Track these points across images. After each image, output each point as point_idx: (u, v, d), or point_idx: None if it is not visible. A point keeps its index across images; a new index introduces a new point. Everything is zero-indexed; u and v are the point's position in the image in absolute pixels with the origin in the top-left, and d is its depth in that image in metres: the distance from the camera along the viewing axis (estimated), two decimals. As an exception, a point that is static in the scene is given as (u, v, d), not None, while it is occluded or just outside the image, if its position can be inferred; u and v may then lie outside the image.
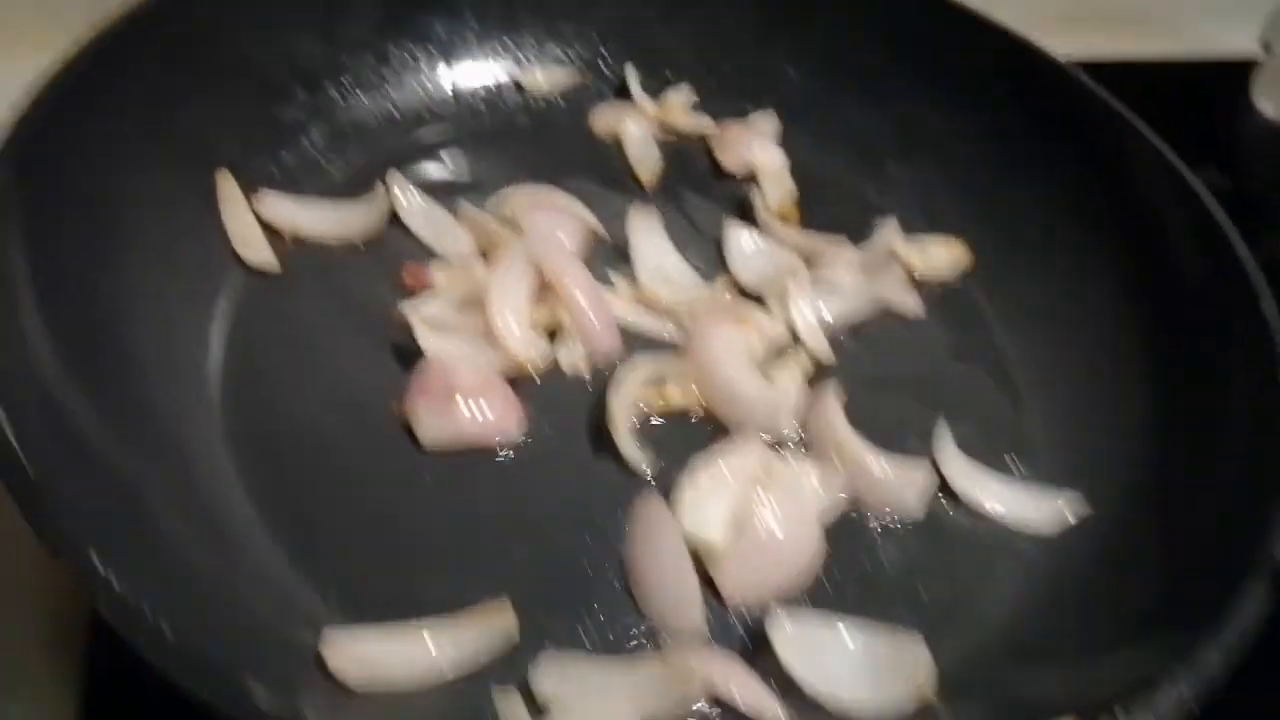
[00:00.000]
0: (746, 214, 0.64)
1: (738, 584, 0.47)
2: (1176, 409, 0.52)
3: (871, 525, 0.51)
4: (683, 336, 0.56)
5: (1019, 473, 0.54)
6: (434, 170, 0.64)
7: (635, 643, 0.46)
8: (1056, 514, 0.52)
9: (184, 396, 0.49)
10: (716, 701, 0.43)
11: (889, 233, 0.63)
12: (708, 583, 0.47)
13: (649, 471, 0.51)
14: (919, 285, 0.62)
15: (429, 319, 0.53)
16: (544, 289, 0.55)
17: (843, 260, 0.61)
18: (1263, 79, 0.78)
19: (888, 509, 0.51)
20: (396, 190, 0.59)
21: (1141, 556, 0.47)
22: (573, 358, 0.54)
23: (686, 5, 0.70)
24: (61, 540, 0.34)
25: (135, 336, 0.48)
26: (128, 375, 0.46)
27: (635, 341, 0.56)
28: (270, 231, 0.57)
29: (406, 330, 0.53)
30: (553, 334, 0.55)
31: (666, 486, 0.50)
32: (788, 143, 0.68)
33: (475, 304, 0.54)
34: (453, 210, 0.60)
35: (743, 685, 0.43)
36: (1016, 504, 0.52)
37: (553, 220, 0.60)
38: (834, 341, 0.58)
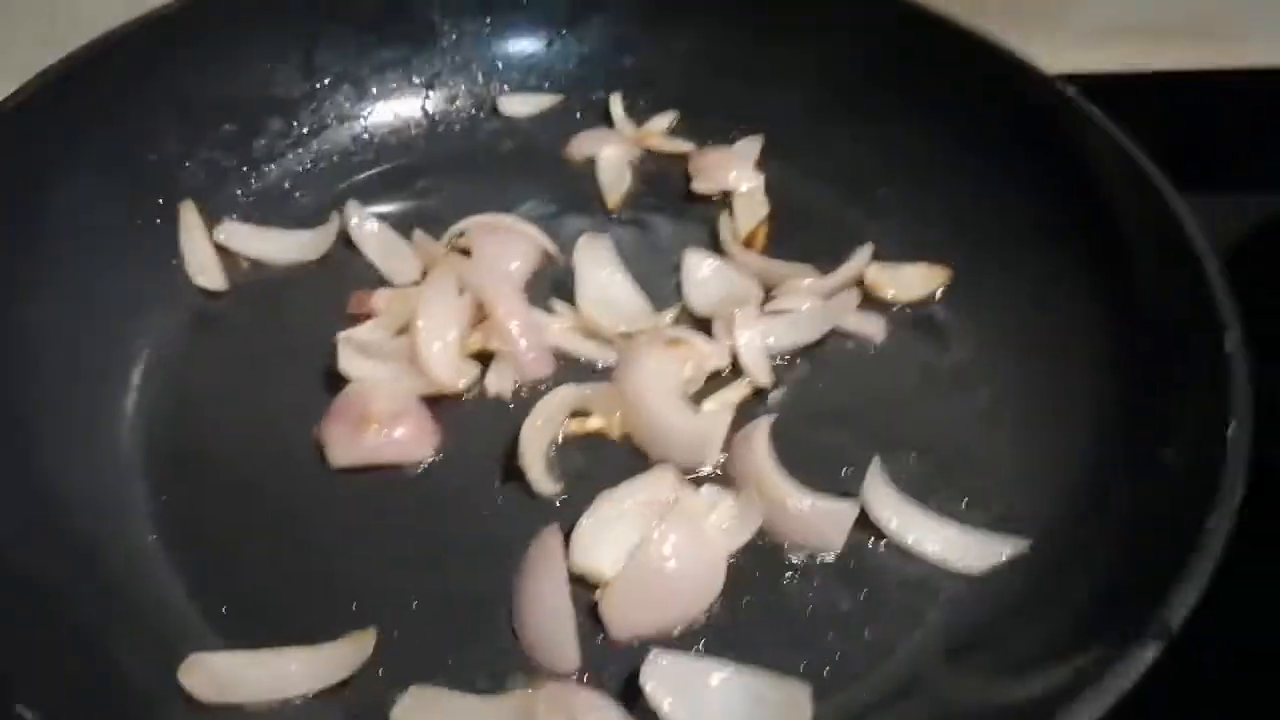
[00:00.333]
0: (716, 238, 0.62)
1: (623, 620, 0.45)
2: (1122, 451, 0.47)
3: (789, 560, 0.48)
4: (616, 363, 0.55)
5: (958, 508, 0.50)
6: (403, 196, 0.65)
7: (510, 676, 0.44)
8: (989, 553, 0.47)
9: (98, 415, 0.51)
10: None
11: (859, 259, 0.60)
12: (598, 618, 0.46)
13: (557, 499, 0.50)
14: (890, 309, 0.59)
15: (360, 345, 0.54)
16: (480, 315, 0.55)
17: (802, 286, 0.58)
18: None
19: (807, 546, 0.48)
20: (353, 218, 0.60)
21: (1055, 602, 0.43)
22: (500, 382, 0.54)
23: (676, 30, 0.69)
24: None
25: (54, 356, 0.50)
26: (35, 393, 0.48)
27: (572, 368, 0.55)
28: (228, 256, 0.59)
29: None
30: (486, 359, 0.55)
31: (574, 515, 0.48)
32: (774, 169, 0.66)
33: (408, 329, 0.54)
34: (407, 237, 0.60)
35: (608, 726, 0.41)
36: (948, 543, 0.48)
37: (504, 245, 0.60)
38: (782, 369, 0.56)
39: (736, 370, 0.55)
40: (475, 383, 0.54)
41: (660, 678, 0.42)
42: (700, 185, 0.65)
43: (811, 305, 0.57)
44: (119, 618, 0.44)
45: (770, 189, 0.65)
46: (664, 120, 0.69)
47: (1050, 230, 0.57)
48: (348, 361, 0.52)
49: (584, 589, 0.46)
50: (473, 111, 0.69)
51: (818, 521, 0.48)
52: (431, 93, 0.68)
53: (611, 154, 0.67)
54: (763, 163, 0.66)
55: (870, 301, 0.59)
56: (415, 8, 0.66)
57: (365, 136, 0.67)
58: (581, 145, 0.68)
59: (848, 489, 0.50)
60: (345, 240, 0.61)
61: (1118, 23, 0.86)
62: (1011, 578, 0.46)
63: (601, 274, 0.58)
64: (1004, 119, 0.60)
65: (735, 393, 0.54)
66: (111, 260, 0.55)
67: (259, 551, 0.48)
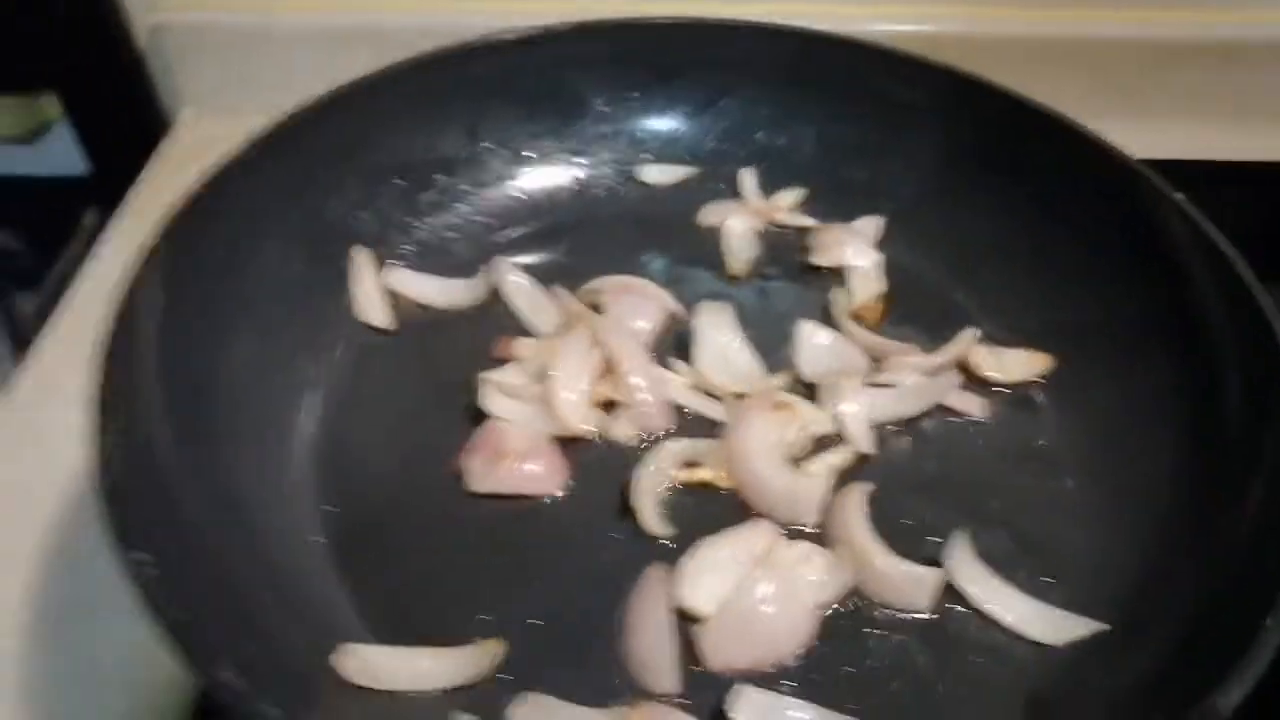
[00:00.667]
0: (829, 310, 0.67)
1: (719, 652, 0.50)
2: (1197, 546, 0.50)
3: (877, 616, 0.53)
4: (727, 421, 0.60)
5: (1038, 584, 0.53)
6: (548, 252, 0.72)
7: (616, 697, 0.49)
8: (1066, 629, 0.51)
9: (281, 433, 0.58)
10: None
11: (964, 340, 0.64)
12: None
13: (667, 540, 0.55)
14: (990, 390, 0.63)
15: (502, 386, 0.60)
16: (609, 366, 0.61)
17: (908, 363, 0.63)
18: None
19: (893, 605, 0.53)
20: (503, 272, 0.67)
21: (1122, 677, 0.46)
22: (623, 430, 0.60)
23: (804, 115, 0.74)
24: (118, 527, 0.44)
25: (248, 379, 0.58)
26: (233, 411, 0.56)
27: (690, 421, 0.61)
28: (391, 297, 0.67)
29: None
30: (613, 406, 0.61)
31: (680, 555, 0.54)
32: (890, 248, 0.70)
33: (545, 376, 0.61)
34: (549, 291, 0.67)
35: (694, 747, 0.46)
36: (1026, 616, 0.52)
37: (635, 304, 0.66)
38: (885, 439, 0.60)
39: (840, 436, 0.60)
40: (601, 429, 0.60)
41: (746, 709, 0.47)
42: (819, 258, 0.70)
43: (915, 381, 0.61)
44: (284, 603, 0.50)
45: (886, 267, 0.70)
46: (790, 196, 0.74)
47: (1146, 328, 0.60)
48: (489, 399, 0.59)
49: (684, 622, 0.51)
50: (615, 179, 0.76)
51: (904, 584, 0.53)
52: (579, 160, 0.75)
53: (738, 224, 0.72)
54: (880, 241, 0.71)
55: (972, 381, 0.63)
56: (568, 87, 0.74)
57: (518, 196, 0.74)
58: (711, 214, 0.74)
59: (934, 555, 0.54)
60: (494, 290, 0.68)
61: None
62: (1080, 653, 0.50)
63: (720, 337, 0.64)
64: (1110, 217, 0.63)
65: (837, 457, 0.58)
66: (295, 302, 0.63)
67: (403, 560, 0.55)
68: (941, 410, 0.62)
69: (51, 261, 0.95)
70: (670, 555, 0.54)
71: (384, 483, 0.58)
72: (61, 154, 1.03)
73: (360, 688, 0.48)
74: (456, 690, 0.49)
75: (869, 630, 0.52)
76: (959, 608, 0.53)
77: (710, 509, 0.57)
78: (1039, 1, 0.89)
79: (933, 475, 0.59)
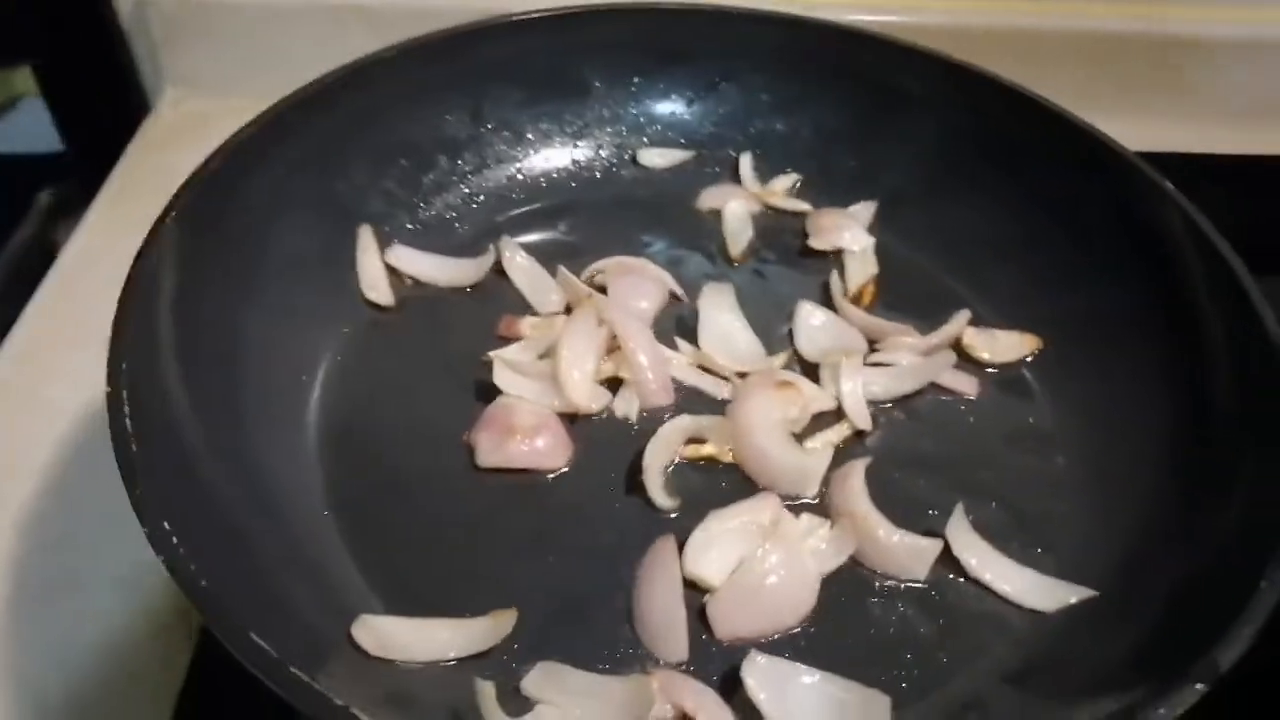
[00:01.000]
0: (826, 291, 0.69)
1: (727, 622, 0.52)
2: (1186, 517, 0.52)
3: (876, 585, 0.54)
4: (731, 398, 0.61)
5: (1031, 555, 0.55)
6: (548, 233, 0.73)
7: (626, 664, 0.51)
8: (1057, 596, 0.53)
9: (290, 408, 0.59)
10: (685, 721, 0.48)
11: (958, 322, 0.65)
12: (705, 619, 0.52)
13: (673, 513, 0.56)
14: (982, 370, 0.65)
15: (510, 363, 0.61)
16: (613, 345, 0.62)
17: (903, 343, 0.64)
18: None
19: (893, 574, 0.54)
20: (506, 251, 0.68)
21: (1115, 642, 0.48)
22: (627, 407, 0.61)
23: (802, 102, 0.76)
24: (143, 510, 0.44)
25: (257, 357, 0.59)
26: (244, 382, 0.57)
27: (691, 398, 0.62)
28: (394, 276, 0.67)
29: (489, 370, 0.61)
30: (617, 383, 0.62)
31: (686, 527, 0.55)
32: (883, 234, 0.72)
33: (551, 353, 0.62)
34: (552, 271, 0.68)
35: (710, 710, 0.48)
36: (1021, 583, 0.54)
37: (636, 284, 0.67)
38: (881, 416, 0.62)
39: (839, 413, 0.61)
40: (606, 406, 0.61)
41: (758, 675, 0.48)
42: (816, 242, 0.72)
43: (911, 360, 0.63)
44: (299, 573, 0.51)
45: (879, 252, 0.71)
46: (786, 181, 0.76)
47: (1135, 315, 0.62)
48: (501, 377, 0.60)
49: (694, 593, 0.53)
50: (614, 161, 0.77)
51: (904, 554, 0.54)
52: (580, 143, 0.76)
53: (736, 208, 0.74)
54: (874, 227, 0.73)
55: (965, 361, 0.65)
56: (571, 71, 0.75)
57: (519, 178, 0.75)
58: (710, 198, 0.75)
59: (931, 527, 0.56)
60: (498, 269, 0.69)
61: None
62: (1074, 620, 0.52)
63: (722, 318, 0.65)
64: (1101, 206, 0.65)
65: (836, 434, 0.60)
66: (305, 279, 0.63)
67: (414, 533, 0.55)
68: (935, 389, 0.64)
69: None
70: (676, 528, 0.55)
71: (393, 458, 0.59)
72: (31, 129, 1.02)
73: (378, 658, 0.49)
74: (472, 659, 0.50)
75: (870, 599, 0.54)
76: (955, 577, 0.55)
77: (714, 483, 0.58)
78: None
79: (928, 451, 0.61)
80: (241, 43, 0.94)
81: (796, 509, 0.57)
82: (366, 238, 0.68)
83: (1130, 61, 0.92)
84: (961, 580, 0.55)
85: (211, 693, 0.57)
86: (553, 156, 0.76)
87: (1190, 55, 0.92)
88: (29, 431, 0.68)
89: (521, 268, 0.68)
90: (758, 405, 0.59)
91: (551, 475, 0.58)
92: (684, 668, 0.51)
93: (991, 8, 0.91)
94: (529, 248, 0.70)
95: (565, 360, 0.60)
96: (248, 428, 0.55)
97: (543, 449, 0.58)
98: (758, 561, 0.52)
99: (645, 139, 0.77)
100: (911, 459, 0.60)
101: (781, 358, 0.64)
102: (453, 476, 0.58)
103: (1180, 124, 0.92)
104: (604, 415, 0.61)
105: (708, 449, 0.59)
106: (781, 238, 0.73)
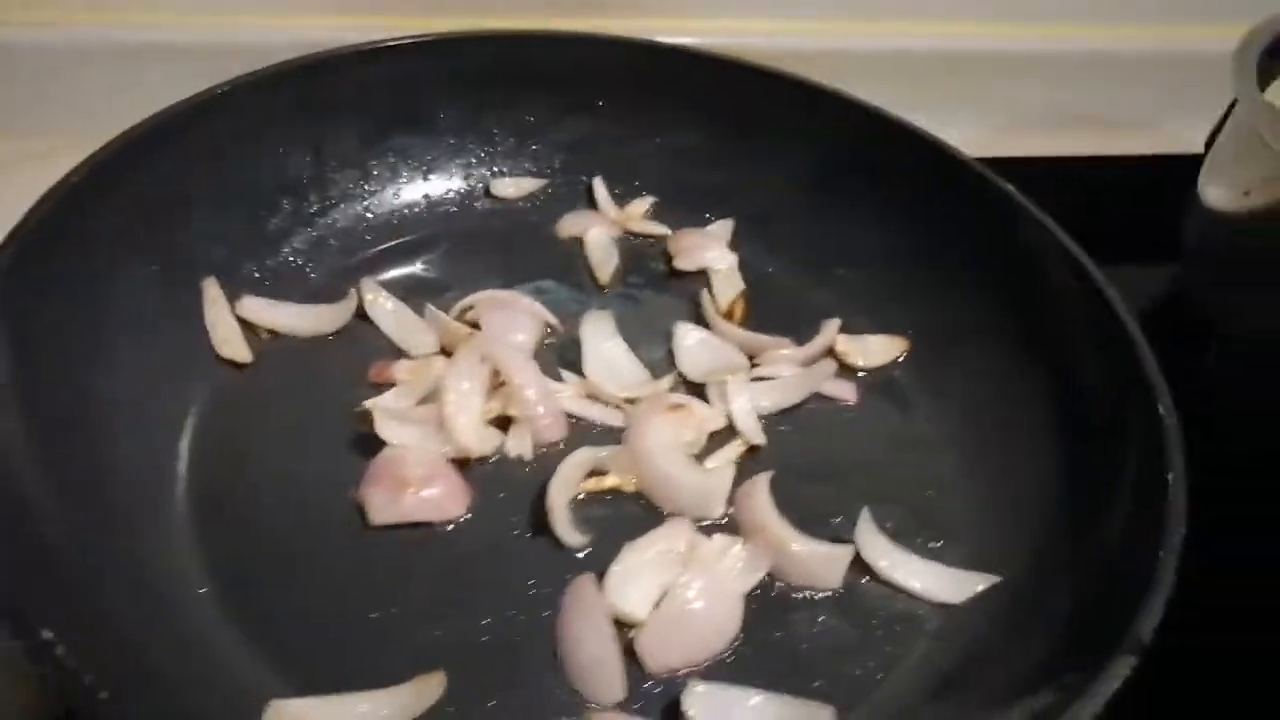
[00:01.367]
0: (698, 311, 0.69)
1: (658, 655, 0.50)
2: (1077, 500, 0.55)
3: (794, 598, 0.55)
4: (626, 426, 0.60)
5: (935, 550, 0.57)
6: (406, 272, 0.69)
7: (561, 713, 0.49)
8: (965, 586, 0.55)
9: (153, 482, 0.54)
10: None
11: (829, 331, 0.67)
12: (631, 654, 0.51)
13: (582, 550, 0.55)
14: (857, 375, 0.67)
15: (389, 411, 0.58)
16: (497, 382, 0.60)
17: (780, 355, 0.65)
18: (1206, 169, 0.82)
19: (808, 585, 0.55)
20: (368, 294, 0.65)
21: (1030, 633, 0.50)
22: (520, 445, 0.59)
23: (648, 126, 0.76)
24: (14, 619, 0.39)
25: (112, 424, 0.53)
26: (102, 462, 0.51)
27: (583, 429, 0.61)
28: (249, 330, 0.63)
29: (366, 421, 0.58)
30: (505, 421, 0.60)
31: (599, 563, 0.53)
32: (742, 249, 0.73)
33: (432, 397, 0.59)
34: (419, 311, 0.65)
35: (655, 751, 0.46)
36: (929, 578, 0.55)
37: (510, 319, 0.65)
38: (770, 429, 0.62)
39: (730, 431, 0.62)
40: (497, 447, 0.59)
41: (700, 704, 0.48)
42: (681, 263, 0.72)
43: (793, 372, 0.64)
44: (191, 665, 0.47)
45: (740, 268, 0.72)
46: (643, 204, 0.76)
47: (991, 309, 0.65)
48: (383, 427, 0.56)
49: (617, 629, 0.51)
50: (466, 193, 0.74)
51: (817, 563, 0.55)
52: (430, 176, 0.73)
53: (598, 234, 0.73)
54: (733, 244, 0.74)
55: (840, 368, 0.67)
56: (415, 102, 0.72)
57: (369, 216, 0.71)
58: (568, 225, 0.74)
59: (837, 534, 0.57)
60: (359, 314, 0.65)
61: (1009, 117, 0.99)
62: (989, 613, 0.54)
63: (604, 345, 0.64)
64: (949, 212, 0.68)
65: (732, 451, 0.60)
66: (154, 333, 0.58)
67: (308, 604, 0.51)
68: (817, 398, 0.65)
69: None
70: (588, 565, 0.54)
71: (275, 525, 0.54)
72: None
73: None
74: (391, 733, 0.47)
75: (790, 613, 0.54)
76: (867, 580, 0.56)
77: (620, 514, 0.57)
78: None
79: (819, 460, 0.62)
80: (43, 82, 0.85)
81: (706, 530, 0.56)
82: (213, 290, 0.62)
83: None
84: (873, 583, 0.56)
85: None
86: (402, 192, 0.73)
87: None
88: None
89: (386, 310, 0.65)
90: (654, 430, 0.59)
91: (450, 525, 0.56)
92: (624, 707, 0.49)
93: (820, 30, 0.94)
94: (389, 287, 0.66)
95: (451, 404, 0.58)
96: (114, 503, 0.49)
97: (439, 498, 0.55)
98: (681, 589, 0.51)
99: (496, 169, 0.75)
100: (805, 469, 0.61)
101: (666, 380, 0.64)
102: (343, 538, 0.54)
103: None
104: (495, 457, 0.59)
105: (610, 480, 0.58)
106: (644, 261, 0.73)
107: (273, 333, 0.63)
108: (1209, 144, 0.75)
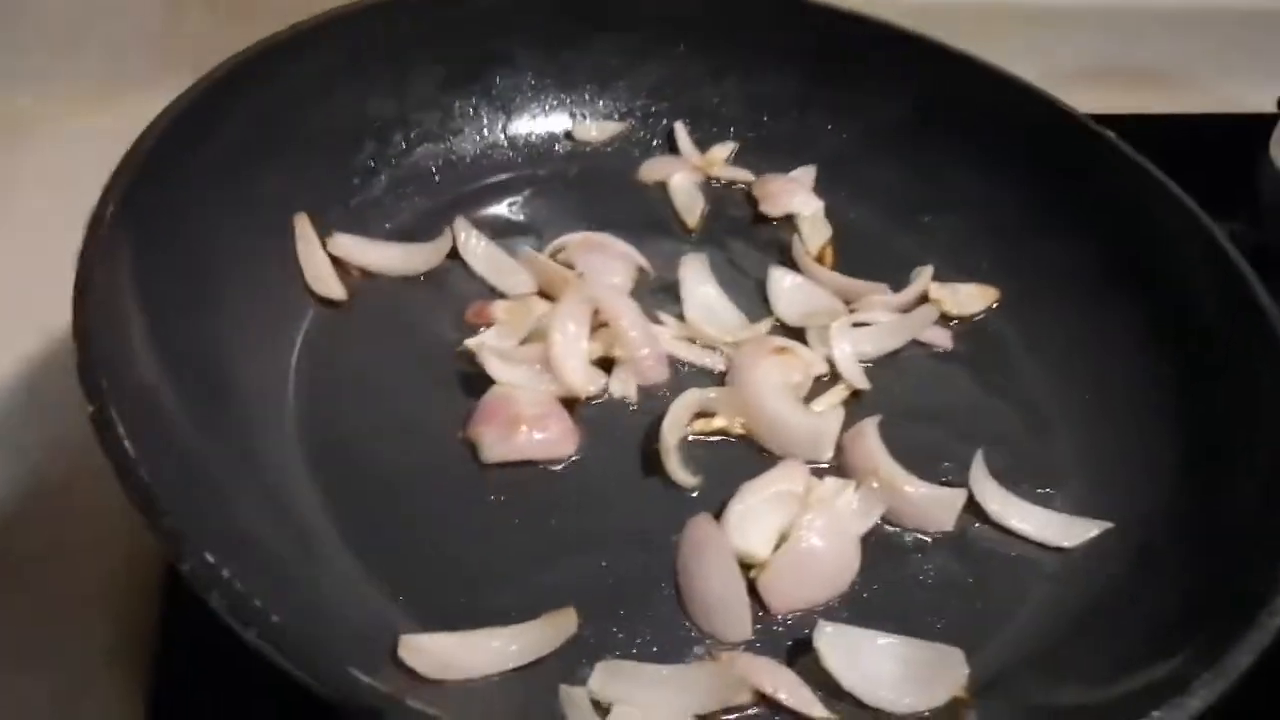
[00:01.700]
0: (786, 257, 0.68)
1: (781, 595, 0.50)
2: (1198, 444, 0.55)
3: (907, 540, 0.54)
4: (728, 369, 0.60)
5: (1043, 495, 0.57)
6: (491, 213, 0.68)
7: (686, 650, 0.49)
8: (1077, 532, 0.55)
9: (268, 417, 0.53)
10: (764, 702, 0.46)
11: (924, 277, 0.66)
12: (752, 594, 0.50)
13: (696, 491, 0.54)
14: (949, 322, 0.66)
15: (496, 350, 0.57)
16: (599, 324, 0.59)
17: (878, 301, 0.65)
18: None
19: (921, 527, 0.55)
20: (461, 234, 0.64)
21: (1163, 578, 0.50)
22: (625, 387, 0.58)
23: (731, 68, 0.75)
24: (180, 544, 0.37)
25: (224, 361, 0.52)
26: (223, 399, 0.50)
27: (683, 372, 0.60)
28: (341, 268, 0.61)
29: (468, 360, 0.57)
30: (606, 363, 0.59)
31: (709, 504, 0.53)
32: (825, 196, 0.72)
33: (535, 337, 0.58)
34: (511, 252, 0.64)
35: (790, 687, 0.46)
36: (1041, 524, 0.55)
37: (604, 261, 0.64)
38: (869, 374, 0.62)
39: (832, 376, 0.61)
40: (602, 388, 0.58)
41: (830, 643, 0.47)
42: (767, 208, 0.71)
43: (892, 318, 0.64)
44: (330, 598, 0.46)
45: (826, 214, 0.72)
46: (724, 150, 0.75)
47: (1086, 255, 0.65)
48: (493, 366, 0.56)
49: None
50: (547, 137, 0.73)
51: (932, 506, 0.55)
52: (510, 120, 0.72)
53: (682, 180, 0.72)
54: (817, 189, 0.73)
55: (931, 315, 0.66)
56: (497, 44, 0.70)
57: (452, 158, 0.70)
58: (651, 170, 0.73)
59: (947, 477, 0.57)
60: (447, 254, 0.64)
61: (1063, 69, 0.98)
62: (1106, 558, 0.53)
63: (702, 288, 0.64)
64: (1040, 159, 0.68)
65: (836, 395, 0.60)
66: (254, 272, 0.57)
67: (428, 541, 0.51)
68: (911, 344, 0.64)
69: None
70: (703, 505, 0.53)
71: (390, 464, 0.53)
72: None
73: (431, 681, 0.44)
74: (524, 669, 0.47)
75: (907, 555, 0.54)
76: (979, 524, 0.56)
77: (728, 456, 0.57)
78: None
79: (921, 404, 0.61)
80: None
81: (816, 473, 0.56)
82: (304, 226, 0.61)
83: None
84: (985, 526, 0.56)
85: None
86: (484, 133, 0.71)
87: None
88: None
89: (480, 250, 0.64)
90: (763, 373, 0.58)
91: (561, 465, 0.55)
92: (748, 646, 0.49)
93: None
94: (476, 228, 0.65)
95: (558, 344, 0.57)
96: (233, 440, 0.49)
97: (552, 438, 0.55)
98: (804, 529, 0.51)
99: (577, 112, 0.74)
100: (908, 414, 0.60)
101: (765, 324, 0.63)
102: (458, 476, 0.53)
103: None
104: (600, 398, 0.58)
105: (718, 421, 0.57)
106: (727, 207, 0.72)
107: (363, 272, 0.62)
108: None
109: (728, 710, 0.46)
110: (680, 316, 0.63)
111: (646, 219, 0.70)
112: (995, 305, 0.67)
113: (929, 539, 0.55)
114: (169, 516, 0.37)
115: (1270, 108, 0.86)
